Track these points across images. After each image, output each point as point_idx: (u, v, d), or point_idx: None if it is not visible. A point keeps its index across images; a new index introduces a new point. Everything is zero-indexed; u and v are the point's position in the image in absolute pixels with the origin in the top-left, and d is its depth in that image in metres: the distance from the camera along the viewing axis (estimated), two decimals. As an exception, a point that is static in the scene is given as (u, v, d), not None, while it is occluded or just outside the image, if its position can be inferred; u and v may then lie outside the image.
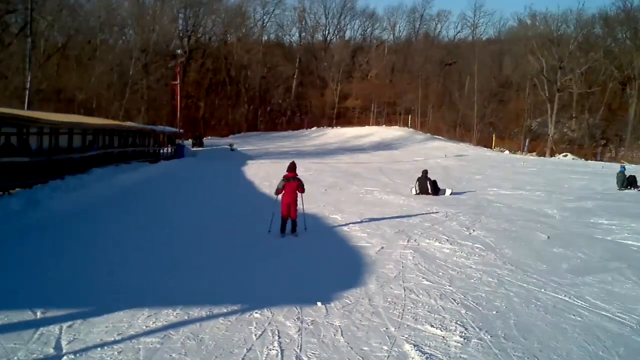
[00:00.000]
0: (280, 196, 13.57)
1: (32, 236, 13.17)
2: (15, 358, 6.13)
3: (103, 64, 59.28)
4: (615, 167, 34.05)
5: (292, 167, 13.76)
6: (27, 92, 38.51)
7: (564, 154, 57.96)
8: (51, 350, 6.35)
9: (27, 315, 7.50)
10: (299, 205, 13.94)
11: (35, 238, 13.02)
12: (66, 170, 24.17)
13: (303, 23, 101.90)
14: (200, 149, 58.45)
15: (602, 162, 49.40)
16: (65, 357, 6.16)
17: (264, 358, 6.27)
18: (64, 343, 6.56)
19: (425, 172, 23.62)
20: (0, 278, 9.42)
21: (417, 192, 23.04)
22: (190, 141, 62.10)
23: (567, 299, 8.65)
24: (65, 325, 7.12)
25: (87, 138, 29.61)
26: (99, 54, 60.64)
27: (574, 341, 6.94)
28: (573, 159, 54.29)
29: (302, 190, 13.73)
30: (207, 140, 66.72)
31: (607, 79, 68.92)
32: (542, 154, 61.72)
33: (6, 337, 6.68)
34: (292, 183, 13.45)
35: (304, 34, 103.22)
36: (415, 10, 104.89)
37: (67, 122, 26.64)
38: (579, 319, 7.78)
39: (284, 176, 13.64)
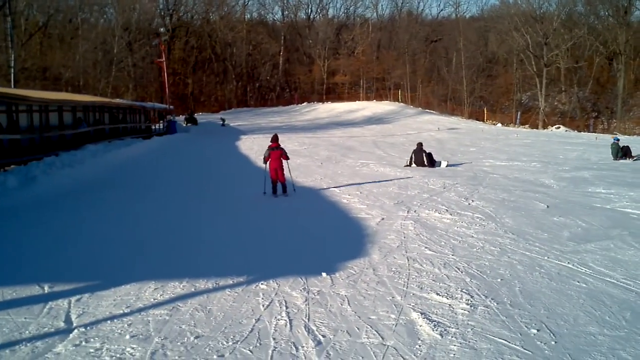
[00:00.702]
0: (268, 163, 15.58)
1: (31, 212, 13.19)
2: (27, 332, 6.13)
3: (86, 42, 58.86)
4: (608, 138, 34.12)
5: (274, 138, 16.01)
6: (11, 70, 38.28)
7: (557, 126, 57.99)
8: (62, 324, 6.36)
9: (34, 289, 7.52)
10: (286, 171, 15.83)
11: (34, 214, 13.03)
12: (59, 147, 24.16)
13: (285, 1, 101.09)
14: (194, 125, 57.42)
15: (596, 134, 49.45)
16: (76, 331, 6.17)
17: (273, 328, 6.29)
18: (73, 317, 6.58)
19: (420, 145, 23.59)
20: (5, 254, 9.44)
21: (413, 164, 23.01)
22: (182, 117, 61.43)
23: (570, 266, 8.67)
24: (73, 299, 7.15)
25: (77, 115, 29.49)
26: (81, 32, 60.14)
27: (580, 307, 6.96)
28: (566, 130, 54.30)
29: (286, 158, 15.74)
30: (197, 116, 66.09)
31: (593, 54, 68.96)
32: (534, 126, 61.71)
33: (16, 312, 6.71)
34: (276, 151, 15.54)
35: (286, 12, 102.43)
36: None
37: (56, 100, 26.55)
38: (584, 285, 7.79)
39: (269, 146, 15.74)
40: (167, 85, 55.99)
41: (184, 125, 54.58)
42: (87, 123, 30.93)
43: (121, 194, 16.33)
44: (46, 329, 6.23)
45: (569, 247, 9.81)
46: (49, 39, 59.57)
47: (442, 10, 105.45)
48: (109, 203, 14.77)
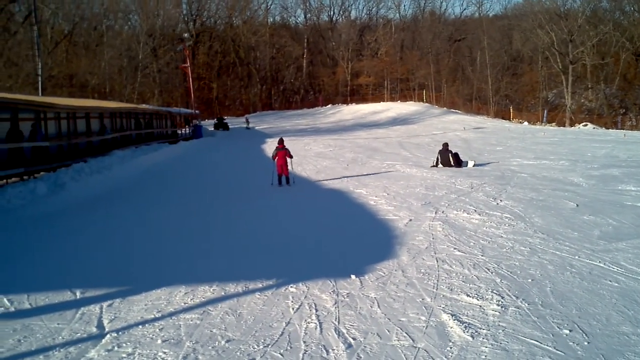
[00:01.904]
0: (275, 160, 18.51)
1: (60, 218, 13.35)
2: (60, 338, 6.19)
3: (112, 49, 59.71)
4: (637, 135, 33.66)
5: (281, 141, 18.92)
6: (39, 78, 38.76)
7: (584, 123, 57.17)
8: (94, 329, 6.42)
9: (67, 295, 7.60)
10: (289, 167, 18.86)
11: (64, 220, 13.19)
12: (87, 153, 24.43)
13: (307, 4, 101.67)
14: (225, 131, 56.76)
15: (624, 131, 48.79)
16: (108, 336, 6.21)
17: (303, 331, 6.27)
18: (105, 322, 6.64)
19: (446, 145, 23.42)
20: (37, 260, 9.59)
21: (439, 164, 22.86)
22: (209, 121, 61.56)
23: (602, 265, 8.55)
24: (105, 304, 7.22)
25: (104, 122, 29.80)
26: (106, 39, 60.98)
27: (613, 307, 6.86)
28: (593, 128, 53.53)
29: (291, 156, 18.73)
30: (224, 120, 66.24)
31: (619, 50, 67.84)
32: (561, 124, 60.94)
33: (49, 317, 6.78)
34: (282, 151, 18.38)
35: (309, 15, 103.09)
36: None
37: (83, 107, 26.83)
38: (616, 284, 7.68)
39: (277, 147, 18.64)
40: (192, 90, 56.33)
41: (210, 129, 54.74)
42: (114, 129, 31.25)
43: (150, 199, 16.53)
44: (79, 334, 6.29)
45: (600, 246, 9.68)
46: (74, 46, 60.37)
47: (465, 9, 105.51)
48: (138, 208, 14.94)
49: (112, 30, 66.50)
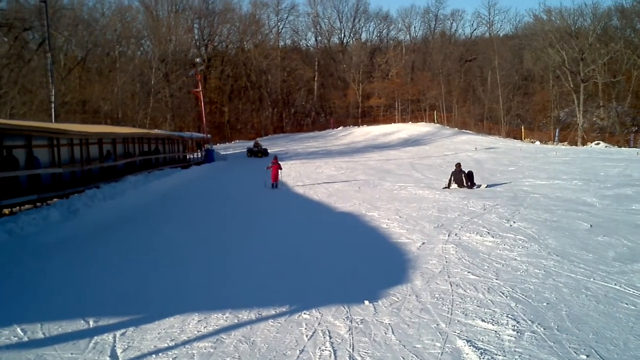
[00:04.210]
0: (270, 171, 25.83)
1: (73, 245, 13.35)
2: (74, 368, 6.18)
3: (124, 74, 60.33)
4: (650, 153, 33.34)
5: (275, 157, 27.04)
6: (52, 105, 39.12)
7: (596, 142, 56.91)
8: (107, 359, 6.39)
9: (80, 324, 7.58)
10: (279, 176, 26.06)
11: (76, 247, 13.19)
12: (100, 179, 24.51)
13: (318, 28, 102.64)
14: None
15: (637, 149, 48.46)
16: (121, 365, 6.20)
17: (317, 359, 6.23)
18: (119, 351, 6.62)
19: (458, 165, 23.35)
20: (50, 289, 9.54)
21: (453, 184, 22.77)
22: (220, 145, 61.41)
23: (617, 287, 8.47)
24: (118, 333, 7.20)
25: (116, 147, 29.93)
26: (119, 65, 61.70)
27: (630, 330, 6.78)
28: (606, 146, 53.27)
29: (280, 168, 26.10)
30: (236, 143, 66.09)
31: (630, 67, 67.65)
32: (573, 143, 60.77)
33: (63, 347, 6.77)
34: (275, 165, 25.69)
35: (319, 38, 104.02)
36: (429, 11, 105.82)
37: (96, 133, 26.97)
38: (633, 307, 7.60)
39: (272, 162, 26.09)
40: (204, 114, 56.58)
41: (222, 153, 54.62)
42: (127, 155, 31.41)
43: (162, 225, 16.51)
44: (92, 364, 6.27)
45: (615, 267, 9.59)
46: (87, 72, 61.03)
47: (475, 29, 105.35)
48: (150, 234, 14.94)
49: (125, 56, 67.29)
